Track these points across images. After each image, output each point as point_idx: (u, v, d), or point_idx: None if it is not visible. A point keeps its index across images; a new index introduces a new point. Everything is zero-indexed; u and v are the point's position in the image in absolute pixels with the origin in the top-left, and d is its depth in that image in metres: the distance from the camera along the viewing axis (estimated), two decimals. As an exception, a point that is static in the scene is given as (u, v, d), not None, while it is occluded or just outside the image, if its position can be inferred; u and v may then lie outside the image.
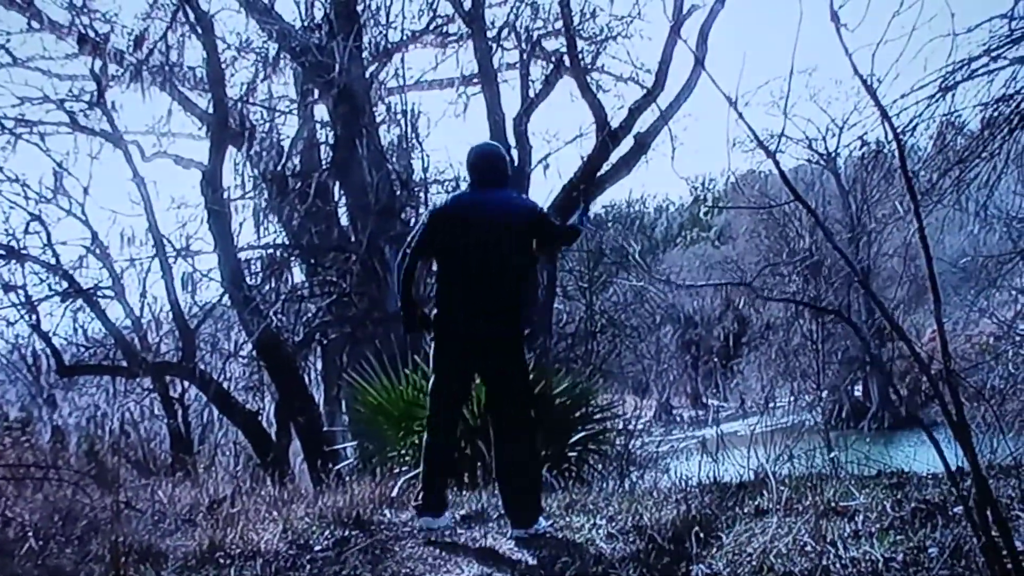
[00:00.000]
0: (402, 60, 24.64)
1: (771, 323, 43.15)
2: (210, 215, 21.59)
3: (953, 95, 12.21)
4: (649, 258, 41.74)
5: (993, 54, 11.91)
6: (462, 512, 8.50)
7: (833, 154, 39.87)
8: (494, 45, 23.34)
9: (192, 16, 21.67)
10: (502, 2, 24.21)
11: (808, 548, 6.18)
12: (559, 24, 23.57)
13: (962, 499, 5.26)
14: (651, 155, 23.43)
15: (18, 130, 22.93)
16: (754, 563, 6.10)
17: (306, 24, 22.68)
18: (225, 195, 22.08)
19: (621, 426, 14.55)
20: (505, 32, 23.99)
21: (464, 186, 8.54)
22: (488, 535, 7.72)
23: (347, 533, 8.06)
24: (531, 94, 23.44)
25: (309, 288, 23.90)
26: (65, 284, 22.86)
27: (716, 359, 51.63)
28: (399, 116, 23.98)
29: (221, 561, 7.35)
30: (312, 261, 23.74)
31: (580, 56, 23.33)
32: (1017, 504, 6.15)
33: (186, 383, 23.23)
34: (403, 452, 11.38)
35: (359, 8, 22.44)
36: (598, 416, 13.06)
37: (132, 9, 44.28)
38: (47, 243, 22.89)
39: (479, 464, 10.59)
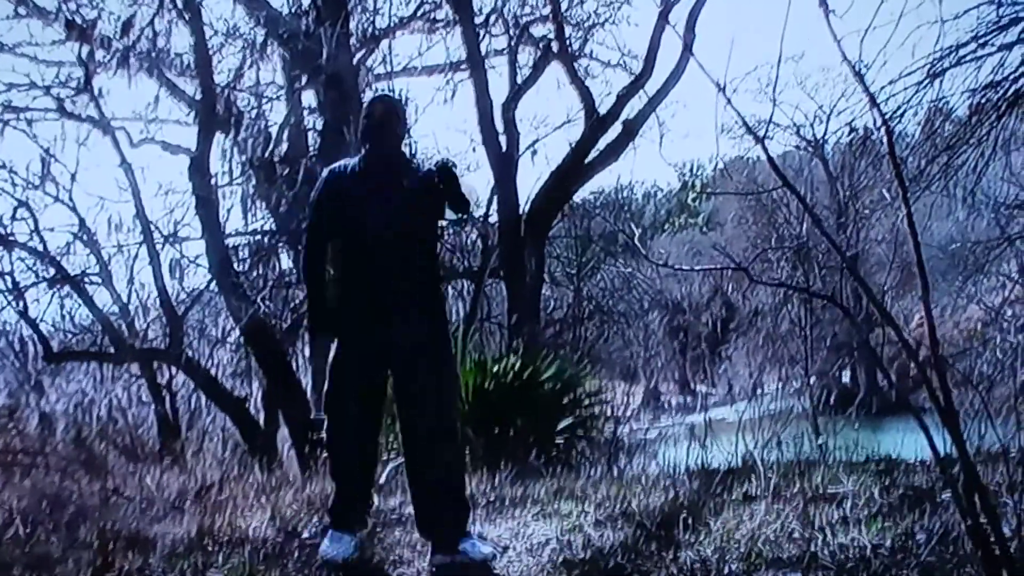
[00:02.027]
0: (390, 46, 24.61)
1: (759, 309, 43.25)
2: (198, 201, 21.55)
3: (941, 81, 12.20)
4: (637, 244, 41.76)
5: (981, 40, 11.91)
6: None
7: (821, 140, 39.97)
8: (482, 31, 23.32)
9: (179, 2, 21.62)
10: (490, -12, 24.21)
11: (796, 534, 6.20)
12: (547, 10, 23.57)
13: (950, 485, 5.28)
14: (639, 141, 23.45)
15: (5, 116, 22.87)
16: (742, 549, 6.12)
17: (293, 10, 22.63)
18: (213, 181, 22.04)
19: (609, 412, 14.55)
20: (493, 18, 23.99)
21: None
22: (477, 521, 7.71)
23: (335, 519, 8.06)
24: (519, 80, 23.45)
25: (297, 275, 23.88)
26: (52, 271, 22.79)
27: (704, 345, 51.74)
28: (387, 102, 23.94)
29: (209, 548, 7.35)
30: (300, 248, 23.70)
31: (568, 42, 23.33)
32: (1005, 490, 6.16)
33: (174, 369, 23.19)
34: (390, 439, 11.37)
35: (347, -7, 22.42)
36: (586, 402, 13.08)
37: (119, -5, 44.23)
38: (34, 229, 22.81)
39: (467, 451, 10.59)
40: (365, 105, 7.51)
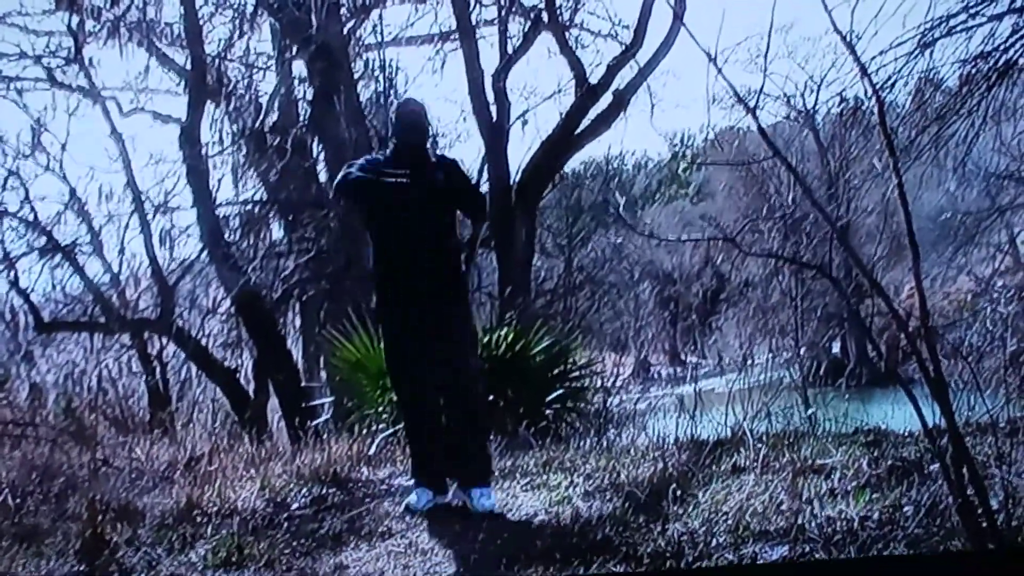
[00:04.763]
0: (380, 16, 24.50)
1: (749, 280, 43.16)
2: (188, 171, 21.55)
3: (932, 52, 12.18)
4: (627, 214, 41.67)
5: (972, 10, 11.89)
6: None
7: (811, 111, 39.84)
8: (472, 0, 23.24)
9: (169, -29, 21.60)
10: (481, -43, 24.09)
11: (784, 506, 6.21)
12: (538, -20, 23.49)
13: (939, 457, 5.28)
14: (630, 111, 23.39)
15: (-5, 86, 22.88)
16: (730, 521, 6.13)
17: (284, -20, 22.57)
18: (203, 151, 22.04)
19: (599, 384, 14.52)
20: (484, -13, 23.91)
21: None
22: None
23: (324, 491, 8.10)
24: (509, 50, 23.35)
25: (288, 244, 23.87)
26: (43, 240, 22.82)
27: (694, 316, 51.66)
28: (377, 72, 23.94)
29: (198, 519, 7.37)
30: (290, 217, 23.68)
31: (559, 12, 23.23)
32: (993, 462, 6.17)
33: (164, 340, 23.22)
34: (381, 409, 11.37)
35: (337, -37, 22.33)
36: (576, 374, 13.06)
37: (109, -36, 44.03)
38: (25, 199, 22.86)
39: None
40: (397, 108, 8.36)
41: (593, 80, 22.51)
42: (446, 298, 7.69)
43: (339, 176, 7.89)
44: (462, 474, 7.59)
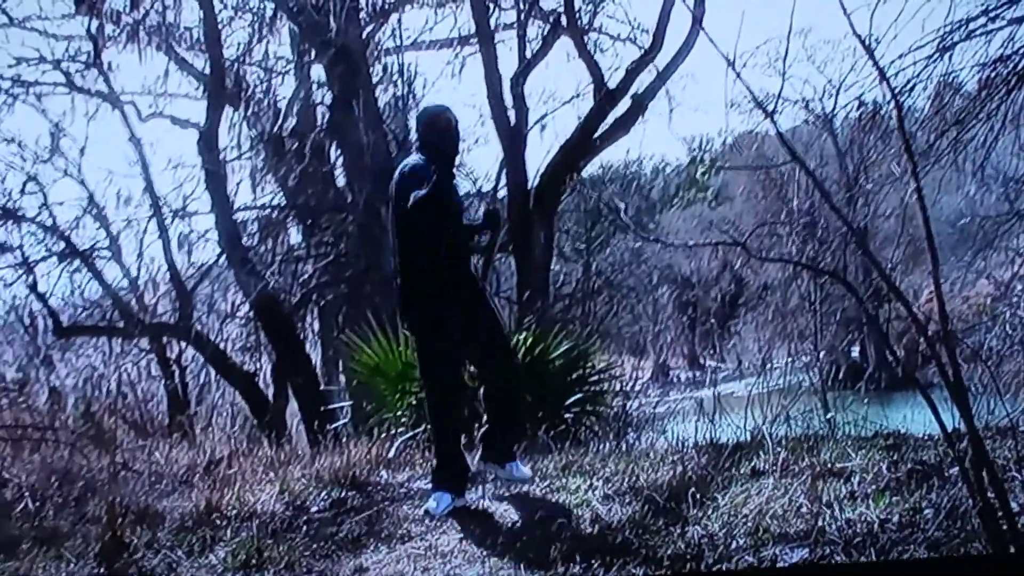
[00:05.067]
0: (399, 20, 24.50)
1: (768, 284, 43.05)
2: (207, 175, 21.59)
3: (951, 55, 12.16)
4: (646, 219, 41.65)
5: (991, 14, 11.86)
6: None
7: (830, 115, 39.68)
8: (491, 5, 23.20)
9: (189, -25, 21.63)
10: (500, -39, 24.07)
11: (804, 509, 6.20)
12: (556, -16, 23.46)
13: (958, 460, 5.27)
14: (648, 115, 23.35)
15: (15, 91, 22.90)
16: (750, 524, 6.13)
17: (303, -17, 22.58)
18: (222, 155, 22.06)
19: (618, 387, 14.49)
20: (502, -9, 23.89)
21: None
22: (484, 497, 7.73)
23: (344, 494, 8.11)
24: (528, 55, 23.35)
25: (306, 249, 23.91)
26: (62, 245, 22.88)
27: (713, 320, 51.55)
28: (396, 76, 23.96)
29: (217, 522, 7.39)
30: (309, 222, 23.71)
31: (578, 16, 23.20)
32: (1013, 465, 6.16)
33: (183, 344, 23.25)
34: (400, 413, 11.37)
35: (356, -33, 22.33)
36: (595, 378, 13.04)
37: (128, -31, 44.07)
38: (44, 204, 22.92)
39: (475, 425, 10.59)
40: (428, 114, 8.29)
41: (612, 84, 22.49)
42: (478, 301, 8.00)
43: (404, 186, 7.75)
44: (495, 455, 8.04)
